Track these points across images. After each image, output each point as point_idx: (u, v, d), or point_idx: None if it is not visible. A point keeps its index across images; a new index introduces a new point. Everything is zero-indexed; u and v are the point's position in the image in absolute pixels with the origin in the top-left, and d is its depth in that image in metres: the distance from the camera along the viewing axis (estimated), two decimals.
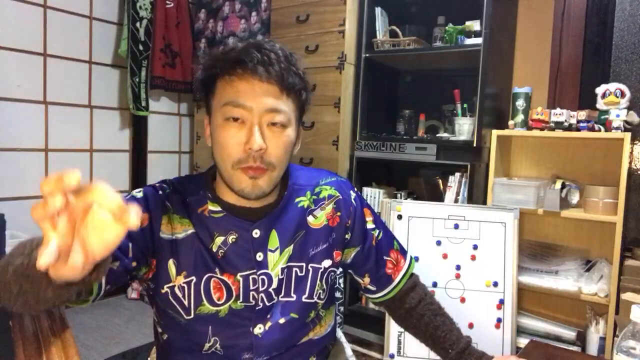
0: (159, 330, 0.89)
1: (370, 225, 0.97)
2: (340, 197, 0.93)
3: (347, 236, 0.94)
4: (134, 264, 0.80)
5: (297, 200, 0.90)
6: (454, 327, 0.97)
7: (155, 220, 0.82)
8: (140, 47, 2.75)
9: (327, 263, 0.91)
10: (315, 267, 0.89)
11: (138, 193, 0.85)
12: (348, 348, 1.08)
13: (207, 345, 0.84)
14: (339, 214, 0.92)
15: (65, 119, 2.62)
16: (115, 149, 2.89)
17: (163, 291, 0.84)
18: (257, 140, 0.76)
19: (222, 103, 0.79)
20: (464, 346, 0.93)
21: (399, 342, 1.78)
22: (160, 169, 3.10)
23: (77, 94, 2.67)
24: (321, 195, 0.92)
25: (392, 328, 1.79)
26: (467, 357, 0.92)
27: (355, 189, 1.00)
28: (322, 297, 0.91)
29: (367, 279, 0.99)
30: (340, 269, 1.11)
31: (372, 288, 0.99)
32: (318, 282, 0.90)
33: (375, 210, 2.29)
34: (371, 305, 2.39)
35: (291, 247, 0.87)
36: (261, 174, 0.79)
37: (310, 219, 0.90)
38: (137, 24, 2.72)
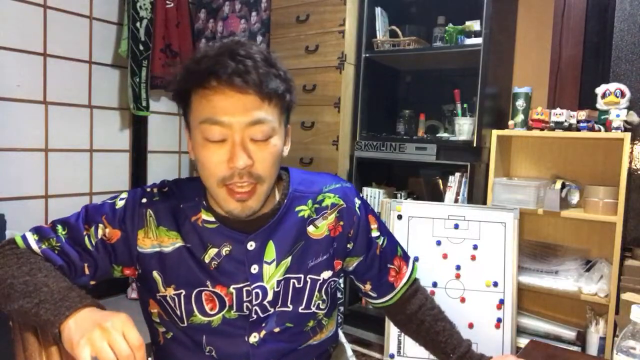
0: (162, 329, 0.87)
1: (375, 233, 0.94)
2: (344, 205, 0.89)
3: (349, 246, 0.91)
4: (92, 282, 0.83)
5: (298, 209, 0.86)
6: (455, 332, 0.95)
7: (130, 236, 0.81)
8: (141, 47, 2.74)
9: (327, 274, 0.88)
10: (313, 278, 0.86)
11: (121, 201, 0.84)
12: (348, 348, 1.07)
13: (205, 351, 0.84)
14: (341, 223, 0.88)
15: (65, 119, 2.62)
16: (115, 149, 2.89)
17: (157, 298, 0.84)
18: (241, 159, 0.72)
19: (199, 120, 0.73)
20: (465, 350, 0.92)
21: (399, 342, 1.78)
22: (160, 169, 3.10)
23: (77, 94, 2.67)
24: (324, 204, 0.88)
25: (392, 328, 1.79)
26: None
27: (361, 195, 0.96)
28: (321, 307, 0.88)
29: (368, 286, 0.97)
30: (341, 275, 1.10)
31: (373, 294, 0.98)
32: (316, 293, 0.87)
33: (375, 211, 2.30)
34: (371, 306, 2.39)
35: (289, 258, 0.84)
36: (250, 195, 0.76)
37: (310, 228, 0.86)
38: (137, 24, 2.72)
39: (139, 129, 2.97)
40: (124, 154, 2.94)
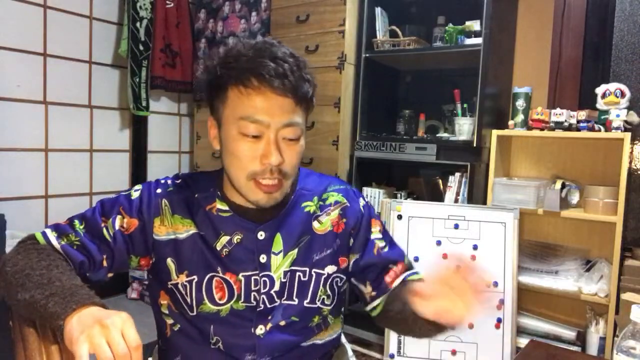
0: (170, 321, 0.88)
1: (376, 235, 0.95)
2: (348, 204, 0.93)
3: (350, 242, 0.93)
4: (110, 274, 0.86)
5: (304, 204, 0.90)
6: None
7: (147, 224, 0.85)
8: (141, 47, 2.74)
9: (331, 269, 0.90)
10: (318, 272, 0.89)
11: (136, 192, 0.89)
12: (348, 348, 1.07)
13: (212, 342, 0.85)
14: (344, 220, 0.92)
15: (65, 119, 2.61)
16: (115, 149, 2.89)
17: (169, 286, 0.86)
18: (275, 156, 0.77)
19: (237, 116, 0.78)
20: None
21: (399, 342, 1.79)
22: (160, 169, 3.10)
23: (77, 94, 2.67)
24: (327, 202, 0.92)
25: None
26: None
27: (366, 199, 0.99)
28: (326, 302, 0.90)
29: (369, 287, 0.94)
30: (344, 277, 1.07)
31: (374, 294, 0.94)
32: (321, 287, 0.89)
33: (375, 210, 2.30)
34: None
35: (295, 251, 0.87)
36: (277, 188, 0.81)
37: (315, 224, 0.90)
38: (137, 24, 2.72)
39: (139, 129, 2.97)
40: (124, 154, 2.94)
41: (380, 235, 0.96)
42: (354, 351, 1.86)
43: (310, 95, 0.82)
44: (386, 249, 0.95)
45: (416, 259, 1.80)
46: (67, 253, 0.81)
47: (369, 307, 0.97)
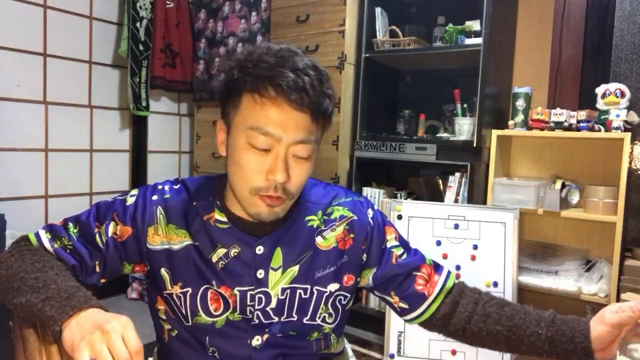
0: (168, 327, 0.87)
1: (392, 242, 0.91)
2: (355, 217, 0.88)
3: (364, 257, 0.89)
4: (102, 280, 0.84)
5: (307, 219, 0.86)
6: (528, 308, 0.86)
7: (140, 232, 0.83)
8: (141, 47, 2.74)
9: (333, 287, 0.86)
10: (320, 290, 0.85)
11: (131, 197, 0.86)
12: (348, 348, 1.07)
13: (208, 352, 0.84)
14: (352, 235, 0.87)
15: (65, 119, 2.61)
16: (115, 149, 2.89)
17: (164, 295, 0.84)
18: (281, 174, 0.73)
19: (248, 124, 0.74)
20: (552, 316, 0.83)
21: (399, 342, 1.79)
22: (160, 169, 3.10)
23: (77, 94, 2.67)
24: (332, 216, 0.87)
25: (392, 328, 1.79)
26: (560, 327, 0.82)
27: (375, 207, 0.94)
28: (328, 320, 0.87)
29: (396, 298, 0.91)
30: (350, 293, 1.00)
31: (405, 306, 0.90)
32: (322, 305, 0.85)
33: None
34: (371, 305, 2.39)
35: (296, 267, 0.83)
36: (280, 203, 0.77)
37: (319, 239, 0.86)
38: (137, 24, 2.72)
39: (139, 129, 2.97)
40: (124, 154, 2.94)
41: (396, 243, 0.92)
42: (354, 351, 1.86)
43: (329, 112, 0.77)
44: (405, 256, 0.92)
45: None
46: (60, 256, 0.80)
47: (407, 318, 0.92)
